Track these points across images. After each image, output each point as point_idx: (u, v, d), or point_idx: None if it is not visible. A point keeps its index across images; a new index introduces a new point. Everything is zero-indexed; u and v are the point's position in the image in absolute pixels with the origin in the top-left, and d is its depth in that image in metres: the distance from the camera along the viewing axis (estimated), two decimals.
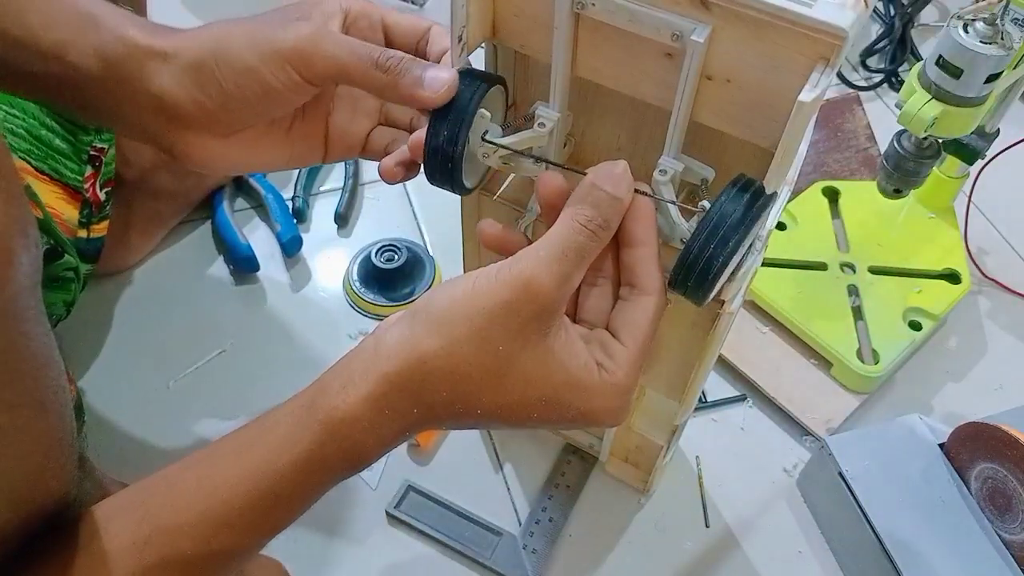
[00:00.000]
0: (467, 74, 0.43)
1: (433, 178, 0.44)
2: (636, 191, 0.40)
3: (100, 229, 0.65)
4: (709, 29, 0.37)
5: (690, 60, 0.38)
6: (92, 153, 0.60)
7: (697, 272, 0.38)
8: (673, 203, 0.42)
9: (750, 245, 0.42)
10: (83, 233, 0.62)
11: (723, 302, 0.45)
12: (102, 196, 0.63)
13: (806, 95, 0.35)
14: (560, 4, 0.40)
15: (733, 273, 0.42)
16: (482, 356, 0.36)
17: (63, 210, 0.58)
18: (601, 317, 0.41)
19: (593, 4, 0.39)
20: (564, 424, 0.40)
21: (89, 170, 0.60)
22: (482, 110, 0.43)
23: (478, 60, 0.46)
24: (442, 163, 0.43)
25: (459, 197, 0.51)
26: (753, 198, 0.38)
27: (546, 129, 0.45)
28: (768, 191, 0.39)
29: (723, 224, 0.37)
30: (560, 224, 0.38)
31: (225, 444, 0.39)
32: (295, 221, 0.85)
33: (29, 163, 0.54)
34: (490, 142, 0.44)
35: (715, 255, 0.37)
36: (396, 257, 0.81)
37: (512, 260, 0.37)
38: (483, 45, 0.46)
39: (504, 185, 0.52)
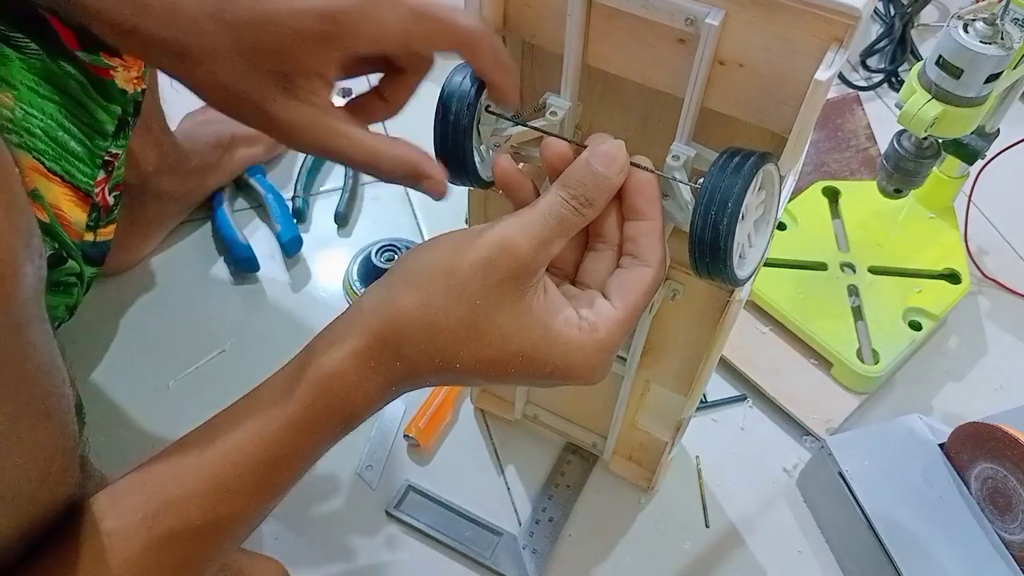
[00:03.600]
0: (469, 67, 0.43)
1: (450, 174, 0.44)
2: (639, 166, 0.40)
3: (107, 233, 0.65)
4: (723, 12, 0.37)
5: (703, 45, 0.39)
6: (106, 158, 0.60)
7: (709, 243, 0.38)
8: (676, 180, 0.42)
9: (760, 217, 0.42)
10: (90, 236, 0.62)
11: (732, 289, 0.46)
12: (111, 200, 0.63)
13: (822, 74, 0.36)
14: None
15: (747, 251, 0.42)
16: (460, 310, 0.38)
17: (71, 212, 0.58)
18: (599, 281, 0.42)
19: None
20: (542, 380, 0.40)
21: (101, 174, 0.60)
22: (490, 102, 0.43)
23: None
24: (452, 155, 0.43)
25: (461, 197, 0.51)
26: (743, 159, 0.38)
27: (557, 118, 0.45)
28: (782, 172, 0.39)
29: (719, 188, 0.37)
30: (548, 194, 0.39)
31: (222, 415, 0.40)
32: (295, 221, 0.85)
33: (42, 163, 0.54)
34: (498, 115, 0.44)
35: (719, 220, 0.37)
36: (396, 257, 0.81)
37: (495, 222, 0.39)
38: None
39: None
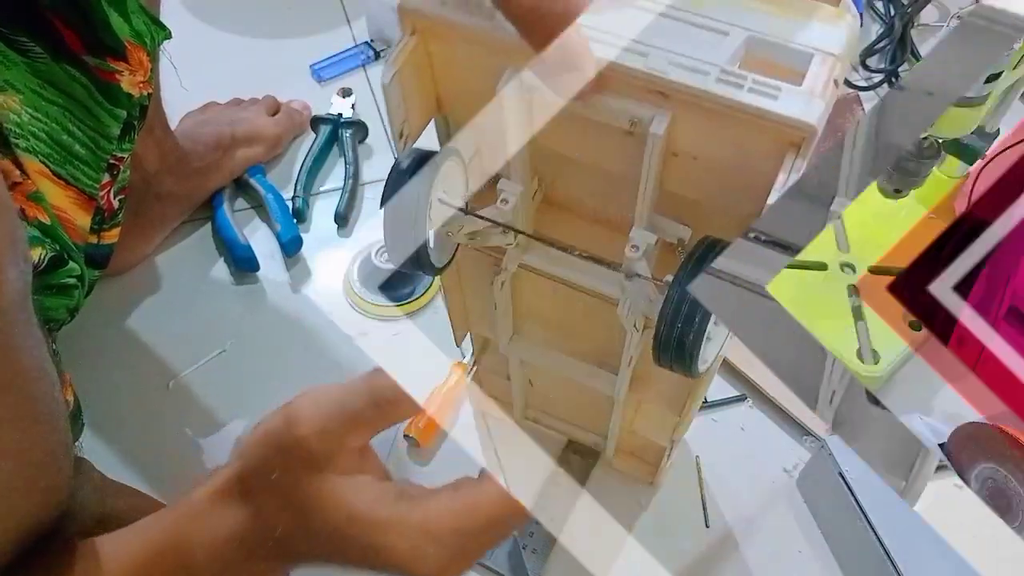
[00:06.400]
0: (414, 159, 0.39)
1: (402, 263, 0.42)
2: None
3: (111, 236, 0.65)
4: (668, 117, 0.35)
5: (652, 145, 0.36)
6: (111, 162, 0.60)
7: (673, 351, 0.37)
8: (639, 276, 0.40)
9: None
10: (94, 239, 0.63)
11: None
12: (116, 203, 0.63)
13: (774, 197, 0.33)
14: (510, 92, 0.37)
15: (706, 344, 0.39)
16: (242, 476, 0.35)
17: (76, 215, 0.58)
18: None
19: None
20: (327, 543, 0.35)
21: (106, 178, 0.60)
22: (440, 194, 0.40)
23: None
24: (403, 248, 0.40)
25: None
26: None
27: (509, 205, 0.42)
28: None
29: (684, 302, 0.35)
30: (356, 379, 0.36)
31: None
32: (295, 221, 0.85)
33: (48, 166, 0.55)
34: (449, 205, 0.41)
35: (684, 333, 0.36)
36: None
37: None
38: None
39: None
